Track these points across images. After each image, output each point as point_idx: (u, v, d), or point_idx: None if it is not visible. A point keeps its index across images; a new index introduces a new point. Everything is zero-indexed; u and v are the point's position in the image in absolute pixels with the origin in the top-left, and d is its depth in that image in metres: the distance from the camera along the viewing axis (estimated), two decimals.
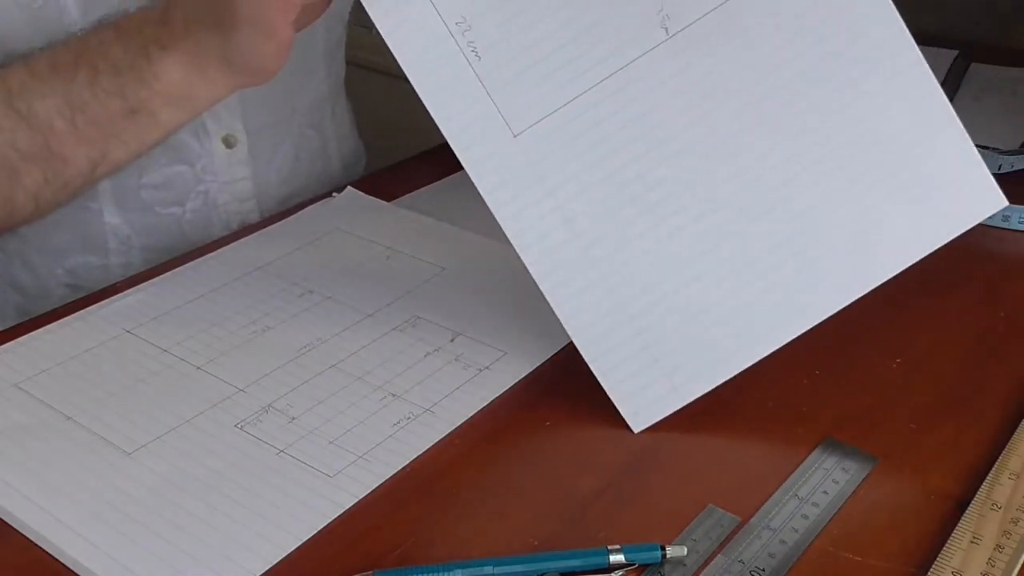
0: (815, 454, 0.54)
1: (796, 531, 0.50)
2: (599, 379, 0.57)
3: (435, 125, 0.56)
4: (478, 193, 0.56)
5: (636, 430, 0.56)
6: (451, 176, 0.82)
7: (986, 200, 0.56)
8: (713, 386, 0.56)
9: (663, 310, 0.56)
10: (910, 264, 0.56)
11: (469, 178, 0.56)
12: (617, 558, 0.47)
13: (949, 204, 0.55)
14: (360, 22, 0.61)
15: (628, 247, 0.56)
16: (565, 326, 0.57)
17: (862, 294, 0.56)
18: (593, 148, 0.56)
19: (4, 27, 0.65)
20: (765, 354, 0.56)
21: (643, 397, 0.56)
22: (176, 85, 0.59)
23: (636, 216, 0.56)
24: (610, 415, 0.57)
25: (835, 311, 0.56)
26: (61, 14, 0.65)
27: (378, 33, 0.55)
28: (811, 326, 0.56)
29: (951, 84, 0.99)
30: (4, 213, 0.63)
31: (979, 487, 0.51)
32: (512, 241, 0.56)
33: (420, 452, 0.54)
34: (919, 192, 0.55)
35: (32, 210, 0.64)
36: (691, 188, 0.55)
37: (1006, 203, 0.56)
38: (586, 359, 0.57)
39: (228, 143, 0.77)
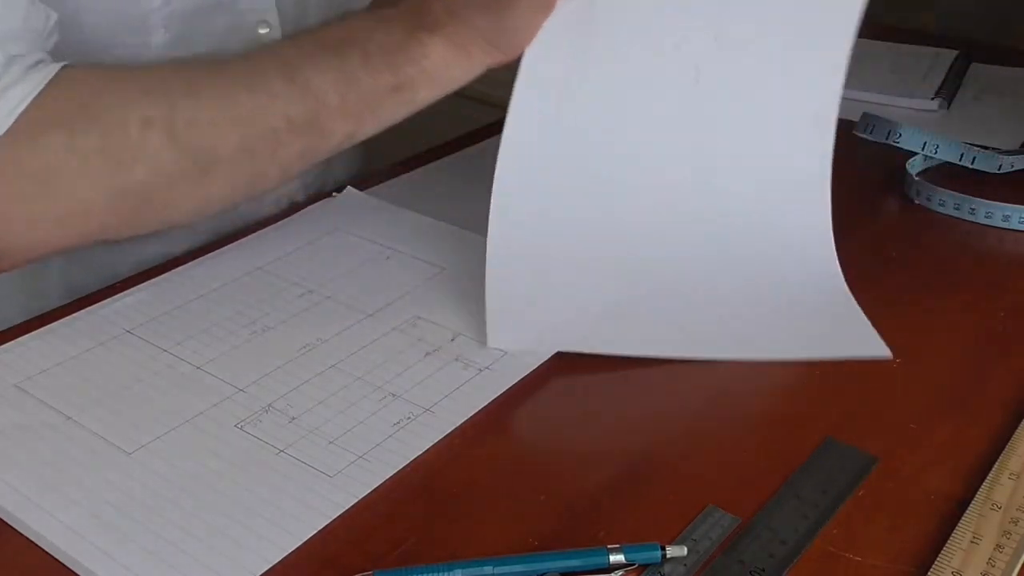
0: (815, 454, 0.54)
1: (796, 531, 0.50)
2: (488, 289, 0.62)
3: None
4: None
5: (490, 344, 0.61)
6: (451, 176, 0.82)
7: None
8: (576, 350, 0.61)
9: (574, 274, 0.64)
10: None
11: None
12: (617, 558, 0.47)
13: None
14: None
15: (583, 212, 0.64)
16: (490, 236, 0.62)
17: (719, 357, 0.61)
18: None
19: (91, 22, 0.65)
20: (629, 354, 0.60)
21: (513, 325, 0.62)
22: (440, 64, 0.62)
23: (610, 194, 0.65)
24: (610, 415, 0.57)
25: (702, 357, 0.61)
26: (142, 1, 0.65)
27: None
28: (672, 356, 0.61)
29: (951, 84, 0.99)
30: (251, 188, 0.63)
31: (979, 487, 0.51)
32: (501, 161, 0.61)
33: (420, 452, 0.54)
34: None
35: (277, 181, 0.65)
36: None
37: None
38: (488, 267, 0.62)
39: None
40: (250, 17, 0.72)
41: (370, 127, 0.63)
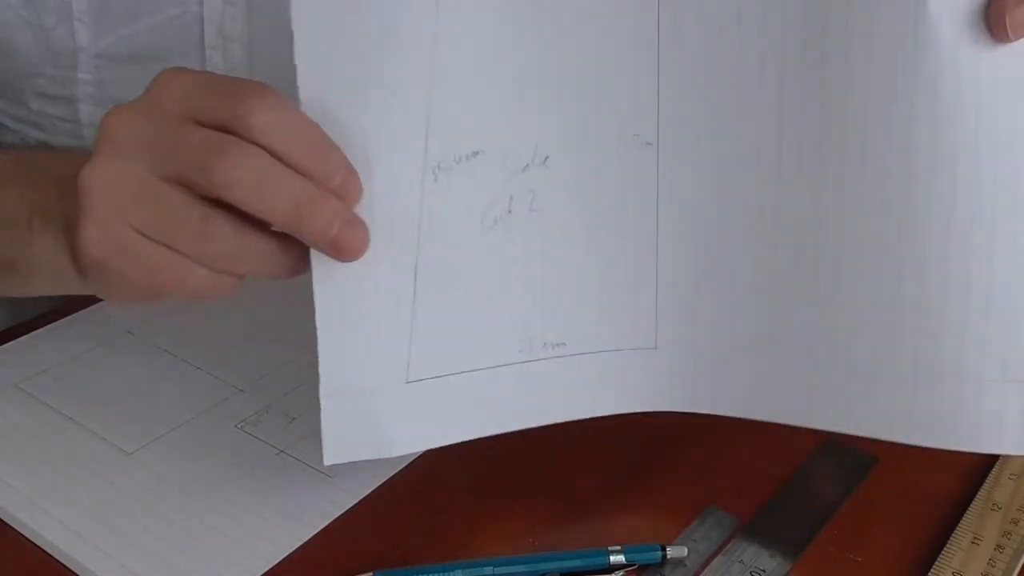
0: (815, 454, 0.54)
1: (796, 531, 0.50)
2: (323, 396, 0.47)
3: None
4: None
5: (327, 461, 0.47)
6: None
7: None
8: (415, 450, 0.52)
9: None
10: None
11: None
12: (617, 558, 0.47)
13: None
14: None
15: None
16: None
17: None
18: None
19: (15, 47, 0.65)
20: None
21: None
22: (49, 260, 0.49)
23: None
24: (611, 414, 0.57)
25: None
26: (72, 37, 0.65)
27: None
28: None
29: None
30: None
31: (979, 487, 0.51)
32: None
33: (420, 452, 0.54)
34: None
35: None
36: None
37: None
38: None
39: None
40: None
41: None
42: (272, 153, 0.42)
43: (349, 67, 0.44)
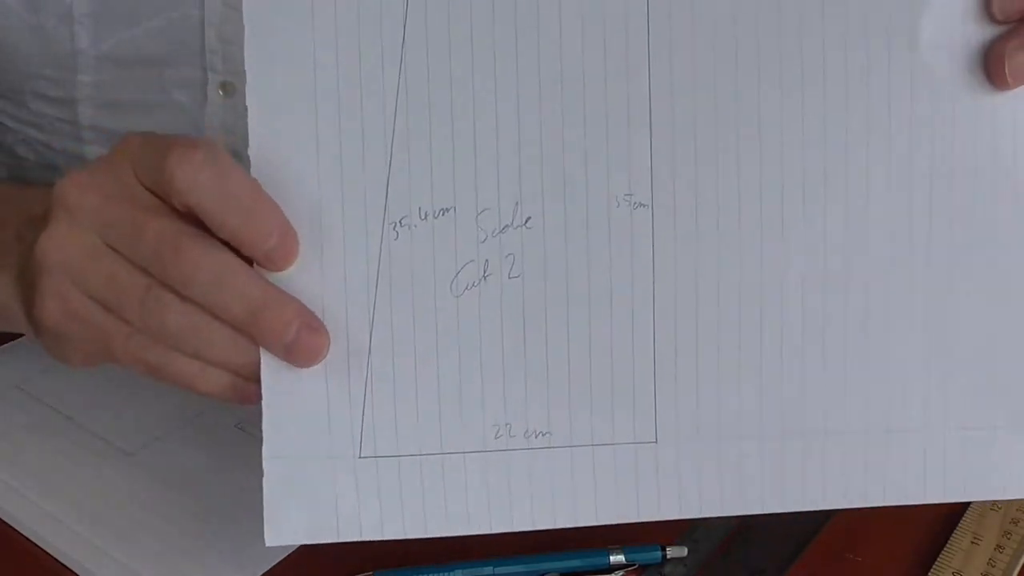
0: None
1: (796, 531, 0.50)
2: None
3: None
4: None
5: (269, 542, 0.44)
6: None
7: None
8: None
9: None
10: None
11: None
12: (617, 558, 0.47)
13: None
14: None
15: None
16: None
17: None
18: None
19: (15, 48, 0.65)
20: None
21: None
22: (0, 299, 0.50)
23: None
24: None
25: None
26: (72, 39, 0.65)
27: None
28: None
29: None
30: None
31: None
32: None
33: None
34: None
35: None
36: None
37: None
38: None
39: None
40: (200, 76, 0.67)
41: None
42: (200, 213, 0.41)
43: (301, 115, 0.42)
